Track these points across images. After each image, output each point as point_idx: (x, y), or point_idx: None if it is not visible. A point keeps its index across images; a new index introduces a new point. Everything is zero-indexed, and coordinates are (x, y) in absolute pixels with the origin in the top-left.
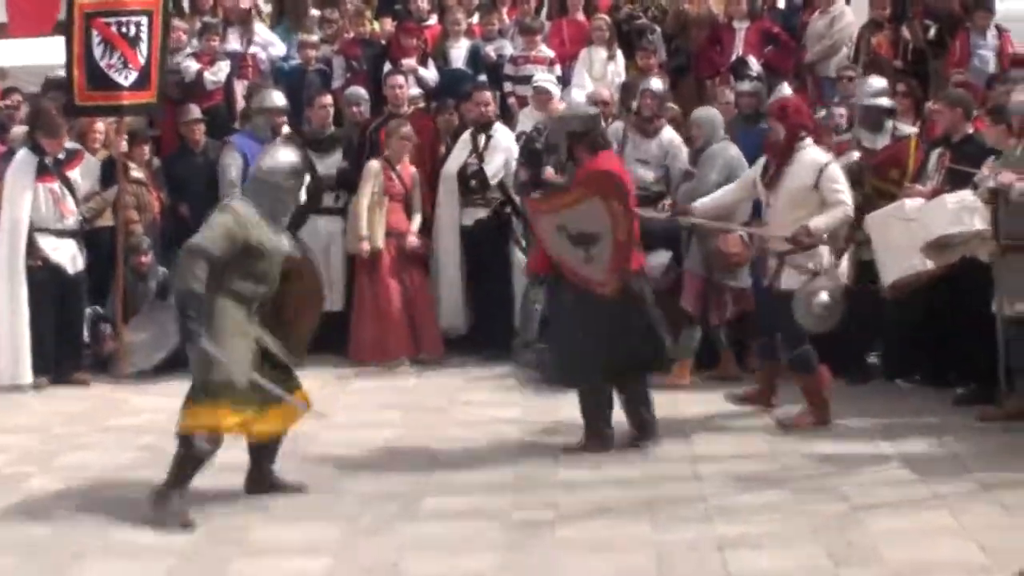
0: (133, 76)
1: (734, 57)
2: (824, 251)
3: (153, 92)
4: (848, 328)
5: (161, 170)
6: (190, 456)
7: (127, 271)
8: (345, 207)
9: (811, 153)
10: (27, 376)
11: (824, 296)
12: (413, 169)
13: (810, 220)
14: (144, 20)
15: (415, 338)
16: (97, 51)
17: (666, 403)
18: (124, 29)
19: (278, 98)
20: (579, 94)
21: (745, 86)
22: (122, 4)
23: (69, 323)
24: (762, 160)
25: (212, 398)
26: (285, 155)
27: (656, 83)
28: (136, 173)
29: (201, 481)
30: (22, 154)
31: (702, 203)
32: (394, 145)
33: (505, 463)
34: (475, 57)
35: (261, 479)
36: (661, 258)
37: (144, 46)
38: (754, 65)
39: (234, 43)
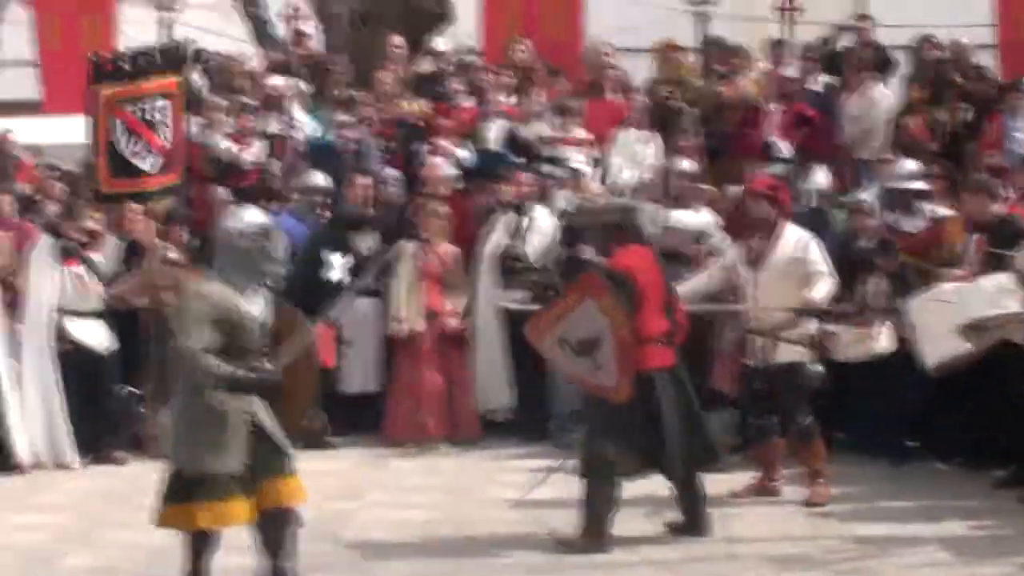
0: (157, 161)
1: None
2: (811, 323)
3: (177, 174)
4: (887, 409)
5: (198, 251)
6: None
7: (165, 352)
8: (381, 288)
9: (793, 229)
10: (71, 458)
11: (820, 367)
12: (453, 248)
13: (808, 293)
14: (166, 103)
15: (452, 419)
16: (121, 140)
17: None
18: (147, 116)
19: (320, 178)
20: (616, 175)
21: (776, 168)
22: (142, 90)
23: (102, 402)
24: (733, 248)
25: (208, 493)
26: (251, 216)
27: (685, 164)
28: (171, 254)
29: (233, 560)
30: (44, 239)
31: (680, 289)
32: (430, 225)
33: (542, 546)
34: (510, 138)
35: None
36: None
37: (168, 130)
38: (784, 147)
39: (272, 123)
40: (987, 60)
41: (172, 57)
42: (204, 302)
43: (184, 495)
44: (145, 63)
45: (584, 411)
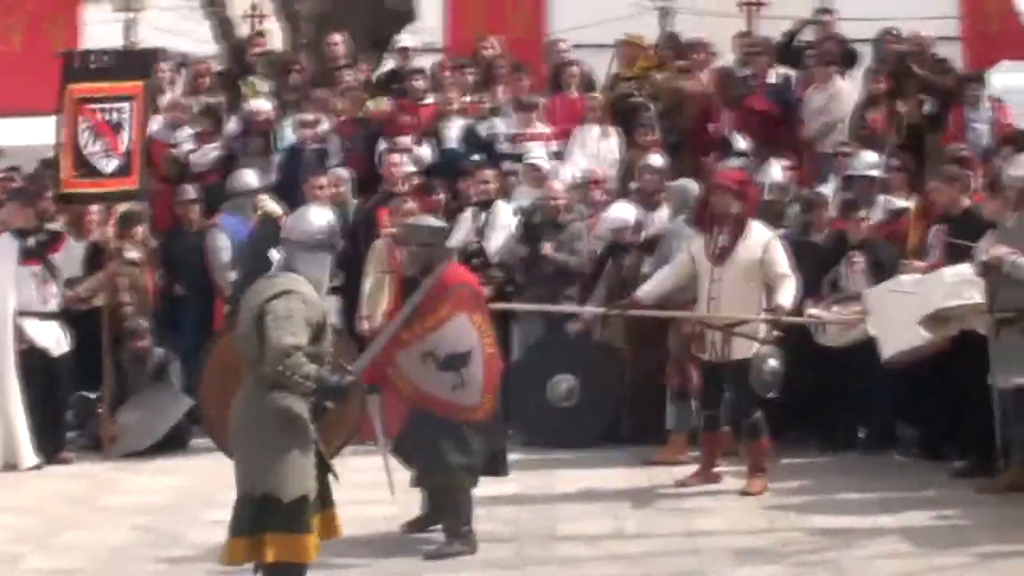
0: (115, 163)
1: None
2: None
3: (136, 179)
4: (836, 400)
5: (158, 250)
6: None
7: (123, 354)
8: (340, 286)
9: (758, 228)
10: (27, 458)
11: (773, 362)
12: None
13: (777, 299)
14: (127, 106)
15: None
16: (83, 138)
17: (664, 478)
18: (108, 116)
19: (251, 178)
20: (572, 171)
21: (733, 163)
22: (108, 91)
23: (53, 404)
24: (696, 240)
25: (289, 519)
26: (318, 215)
27: (655, 159)
28: (131, 254)
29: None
30: (5, 238)
31: (645, 292)
32: (399, 223)
33: (504, 540)
34: (469, 136)
35: None
36: (565, 383)
37: (126, 133)
38: (741, 142)
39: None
40: (952, 53)
41: (139, 61)
42: (301, 301)
43: (257, 523)
44: (112, 63)
45: (428, 429)
